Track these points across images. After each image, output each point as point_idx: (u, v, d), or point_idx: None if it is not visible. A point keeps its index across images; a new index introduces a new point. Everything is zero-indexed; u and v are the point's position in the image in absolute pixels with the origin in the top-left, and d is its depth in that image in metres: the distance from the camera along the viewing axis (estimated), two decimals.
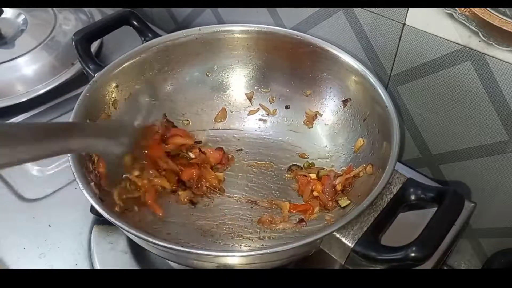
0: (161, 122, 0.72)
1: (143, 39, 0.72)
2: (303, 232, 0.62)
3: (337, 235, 0.51)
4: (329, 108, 0.73)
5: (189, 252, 0.47)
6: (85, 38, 0.70)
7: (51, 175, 0.75)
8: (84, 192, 0.51)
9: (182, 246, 0.47)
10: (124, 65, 0.68)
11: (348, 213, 0.51)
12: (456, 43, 0.58)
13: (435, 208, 0.51)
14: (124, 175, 0.64)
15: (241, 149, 0.73)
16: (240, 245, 0.61)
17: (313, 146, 0.73)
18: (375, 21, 0.65)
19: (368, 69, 0.65)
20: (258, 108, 0.77)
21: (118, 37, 0.75)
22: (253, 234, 0.62)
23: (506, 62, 0.55)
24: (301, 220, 0.62)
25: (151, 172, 0.65)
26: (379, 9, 0.64)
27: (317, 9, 0.72)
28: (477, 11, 0.54)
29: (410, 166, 0.74)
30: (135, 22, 0.73)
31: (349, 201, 0.61)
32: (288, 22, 0.78)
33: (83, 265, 0.63)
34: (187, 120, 0.75)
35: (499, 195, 0.66)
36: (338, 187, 0.63)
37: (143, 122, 0.65)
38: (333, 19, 0.71)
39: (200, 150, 0.70)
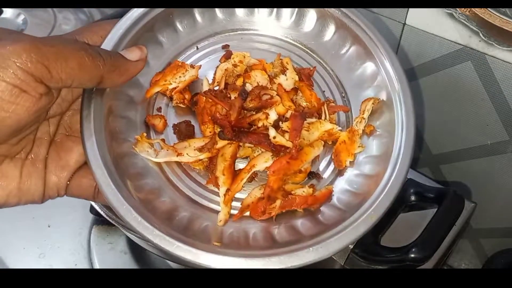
0: None
1: None
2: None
3: None
4: None
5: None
6: None
7: None
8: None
9: None
10: None
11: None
12: (456, 43, 0.58)
13: (435, 209, 0.51)
14: None
15: None
16: None
17: None
18: (375, 21, 0.65)
19: None
20: None
21: None
22: None
23: (506, 62, 0.55)
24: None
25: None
26: (379, 9, 0.64)
27: None
28: (478, 11, 0.54)
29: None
30: None
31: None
32: None
33: (83, 265, 0.63)
34: None
35: (499, 195, 0.66)
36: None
37: None
38: None
39: None
